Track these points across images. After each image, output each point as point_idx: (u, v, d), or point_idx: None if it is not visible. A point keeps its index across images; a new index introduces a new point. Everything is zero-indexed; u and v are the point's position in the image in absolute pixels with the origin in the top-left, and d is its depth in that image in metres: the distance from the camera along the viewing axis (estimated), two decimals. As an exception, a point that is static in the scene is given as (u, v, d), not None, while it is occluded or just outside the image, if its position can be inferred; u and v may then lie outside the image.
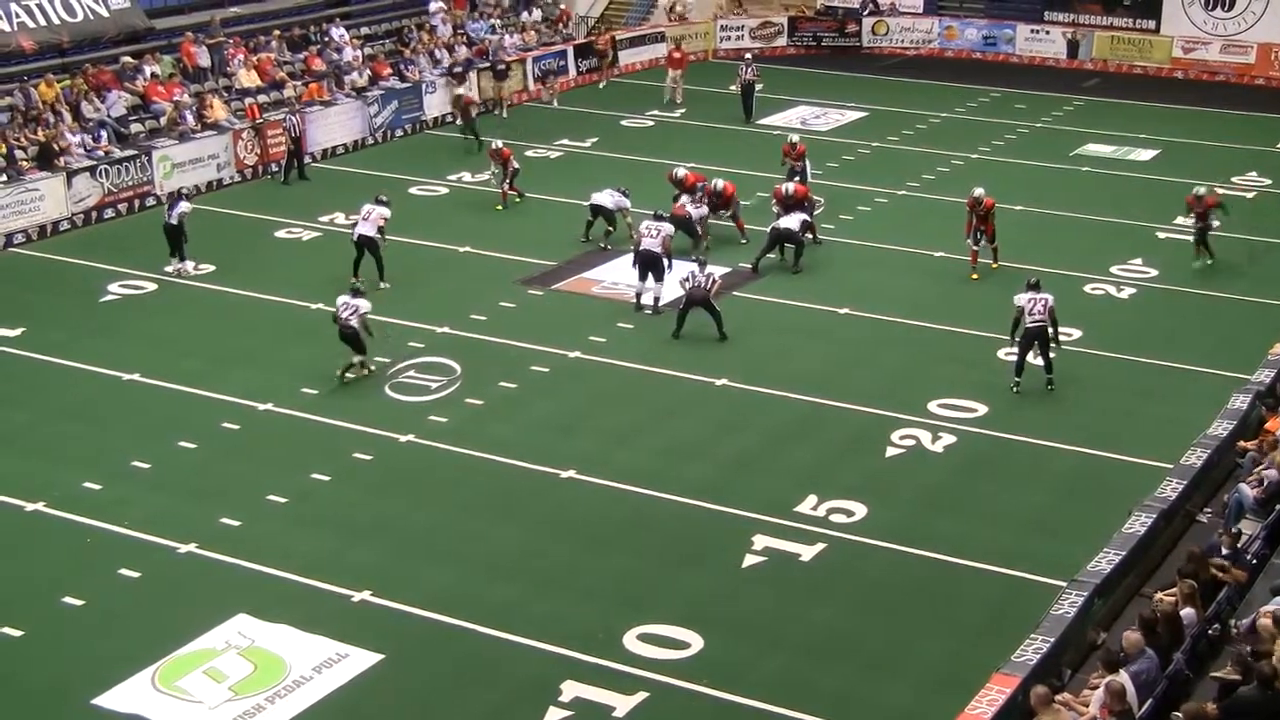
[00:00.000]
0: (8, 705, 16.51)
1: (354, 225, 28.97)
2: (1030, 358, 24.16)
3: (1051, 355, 24.24)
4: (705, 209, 30.88)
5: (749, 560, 19.41)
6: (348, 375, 24.48)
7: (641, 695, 16.55)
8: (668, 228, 28.01)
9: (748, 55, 44.45)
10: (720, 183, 31.54)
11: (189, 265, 29.68)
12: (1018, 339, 24.17)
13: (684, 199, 31.04)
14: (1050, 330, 23.97)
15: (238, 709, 16.33)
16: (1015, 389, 24.12)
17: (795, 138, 34.03)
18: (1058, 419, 23.41)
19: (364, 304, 24.44)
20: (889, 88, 45.59)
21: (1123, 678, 14.59)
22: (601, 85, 46.06)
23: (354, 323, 24.25)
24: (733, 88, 42.46)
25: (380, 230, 28.59)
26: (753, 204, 32.77)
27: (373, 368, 24.67)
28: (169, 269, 29.62)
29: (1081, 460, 22.23)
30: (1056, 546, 19.48)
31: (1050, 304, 23.97)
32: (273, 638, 17.56)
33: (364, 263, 28.31)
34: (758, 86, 42.03)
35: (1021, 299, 24.11)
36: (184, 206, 29.68)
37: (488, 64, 43.44)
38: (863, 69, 48.33)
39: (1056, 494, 21.30)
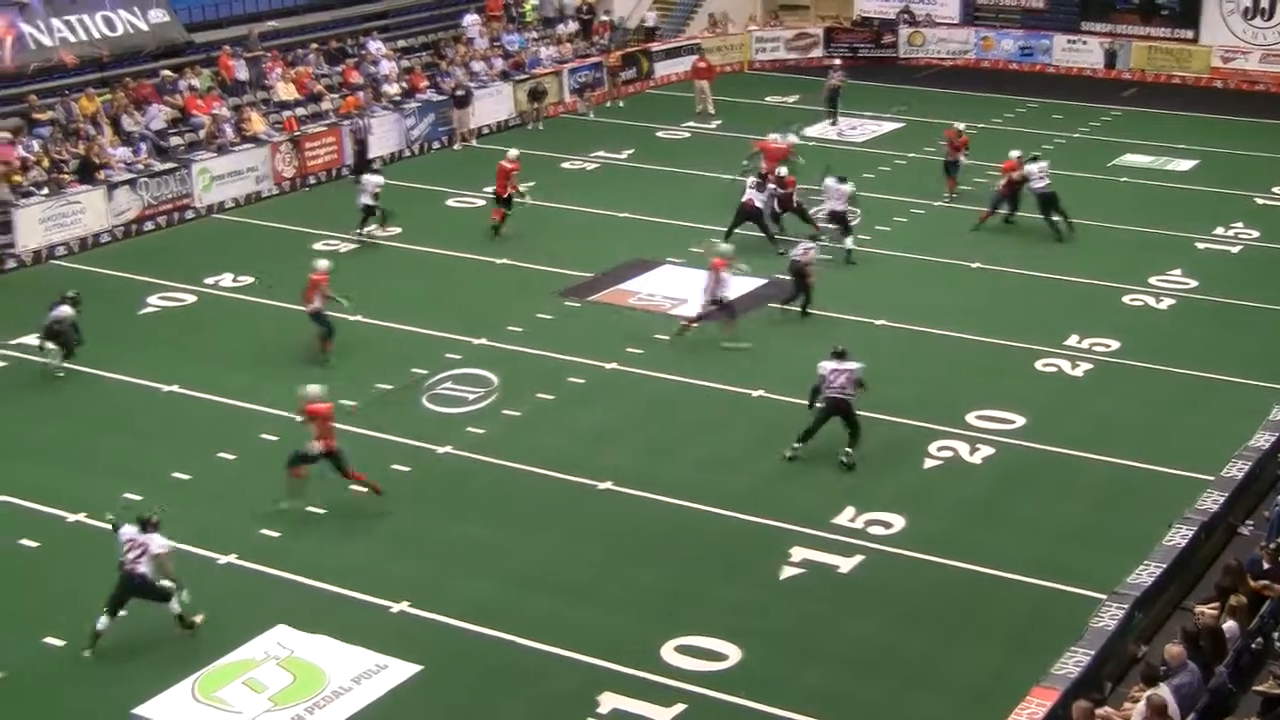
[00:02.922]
0: (49, 715, 16.62)
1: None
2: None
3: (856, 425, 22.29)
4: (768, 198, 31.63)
5: (787, 572, 19.39)
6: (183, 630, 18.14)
7: (679, 707, 16.54)
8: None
9: (836, 60, 44.29)
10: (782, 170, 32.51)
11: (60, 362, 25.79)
12: (816, 405, 22.30)
13: (750, 189, 31.51)
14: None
15: (277, 719, 16.40)
16: (791, 456, 22.30)
17: (961, 126, 35.34)
18: (1097, 430, 23.31)
19: (155, 541, 17.83)
20: (925, 98, 45.51)
21: (1164, 691, 14.51)
22: (609, 104, 45.54)
23: (141, 568, 17.73)
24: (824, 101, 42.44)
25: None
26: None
27: (198, 620, 18.10)
28: (44, 357, 25.84)
29: (1121, 472, 22.12)
30: (1096, 559, 19.39)
31: (856, 375, 22.04)
32: (312, 648, 17.61)
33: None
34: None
35: (824, 368, 22.19)
36: (64, 311, 25.79)
37: (523, 77, 43.55)
38: (899, 80, 48.24)
39: (1096, 506, 21.20)
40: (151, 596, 17.87)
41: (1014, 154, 32.79)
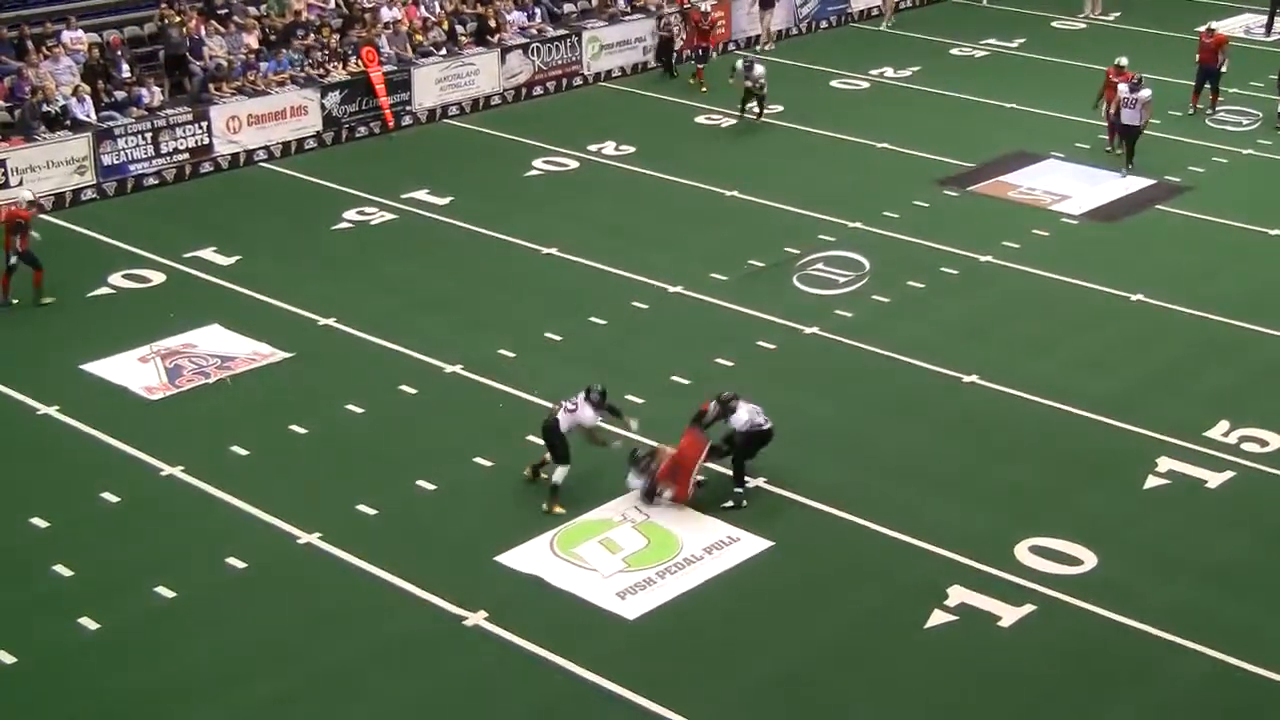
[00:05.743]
0: (422, 552, 17.38)
1: None
2: None
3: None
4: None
5: (1151, 482, 18.83)
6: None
7: (1029, 608, 16.30)
8: None
9: None
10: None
11: None
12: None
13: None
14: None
15: (629, 580, 16.78)
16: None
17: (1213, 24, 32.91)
18: None
19: (586, 413, 18.21)
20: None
21: None
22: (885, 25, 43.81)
23: (559, 418, 18.13)
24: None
25: None
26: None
27: (558, 510, 18.04)
28: None
29: None
30: None
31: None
32: (668, 515, 17.95)
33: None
34: None
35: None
36: None
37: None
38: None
39: None
40: (553, 450, 18.12)
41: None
